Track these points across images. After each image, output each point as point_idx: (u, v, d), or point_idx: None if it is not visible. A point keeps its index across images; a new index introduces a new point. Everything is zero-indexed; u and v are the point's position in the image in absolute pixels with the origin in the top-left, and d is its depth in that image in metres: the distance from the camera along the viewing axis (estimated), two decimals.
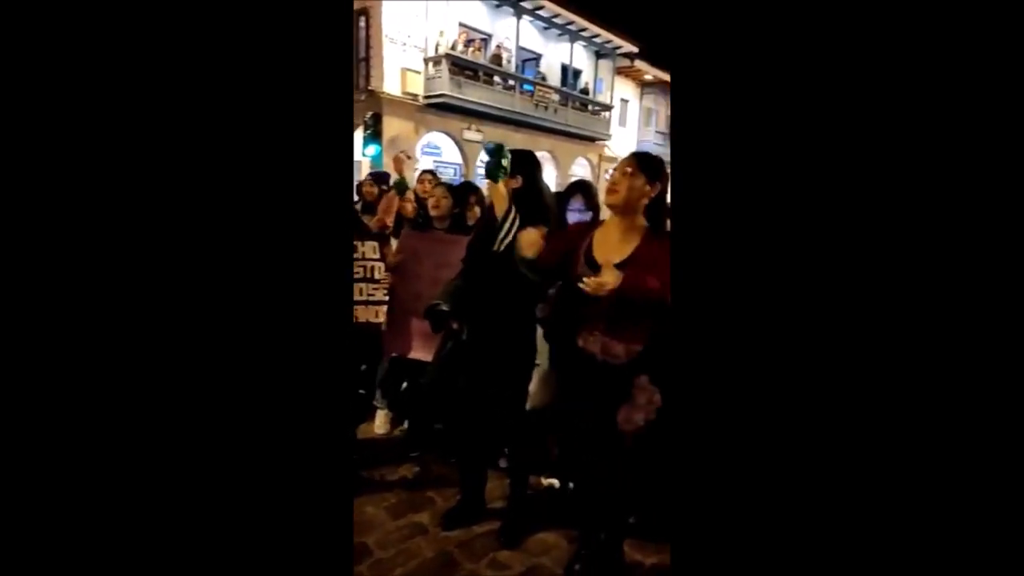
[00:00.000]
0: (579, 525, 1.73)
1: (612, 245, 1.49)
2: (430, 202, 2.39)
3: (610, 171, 1.66)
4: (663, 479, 1.92)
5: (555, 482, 2.22)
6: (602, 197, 1.54)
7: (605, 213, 1.68)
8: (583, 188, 2.16)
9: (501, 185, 1.65)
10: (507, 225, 1.67)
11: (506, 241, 1.69)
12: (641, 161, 1.49)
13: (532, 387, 1.90)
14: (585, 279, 1.36)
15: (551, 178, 13.42)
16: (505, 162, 1.62)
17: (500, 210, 1.66)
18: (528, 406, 1.91)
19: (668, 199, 1.99)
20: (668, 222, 1.63)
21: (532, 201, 1.72)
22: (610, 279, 1.34)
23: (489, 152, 1.64)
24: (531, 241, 1.56)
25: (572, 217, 2.05)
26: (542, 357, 1.89)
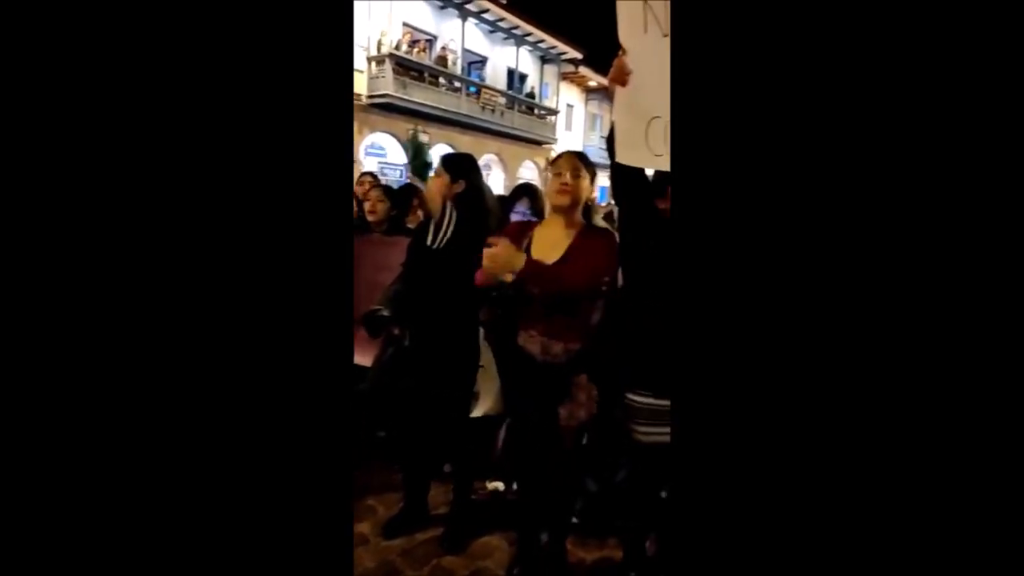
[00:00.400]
0: (519, 527, 1.74)
1: (552, 242, 1.53)
2: (366, 206, 2.34)
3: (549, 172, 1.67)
4: (607, 477, 1.97)
5: (500, 485, 2.22)
6: (553, 199, 1.55)
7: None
8: (529, 192, 2.19)
9: (431, 183, 1.66)
10: (444, 223, 1.68)
11: (445, 238, 1.69)
12: (586, 162, 1.56)
13: (481, 394, 1.89)
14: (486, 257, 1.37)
15: (499, 180, 13.48)
16: (428, 158, 1.67)
17: (433, 208, 1.67)
18: (478, 413, 1.90)
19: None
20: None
21: (474, 204, 1.72)
22: (496, 250, 1.35)
23: (412, 151, 1.71)
24: (503, 261, 1.44)
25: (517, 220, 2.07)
26: (485, 359, 1.89)
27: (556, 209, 1.55)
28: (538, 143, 14.87)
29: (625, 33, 1.31)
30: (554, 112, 15.29)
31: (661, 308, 1.42)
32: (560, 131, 15.61)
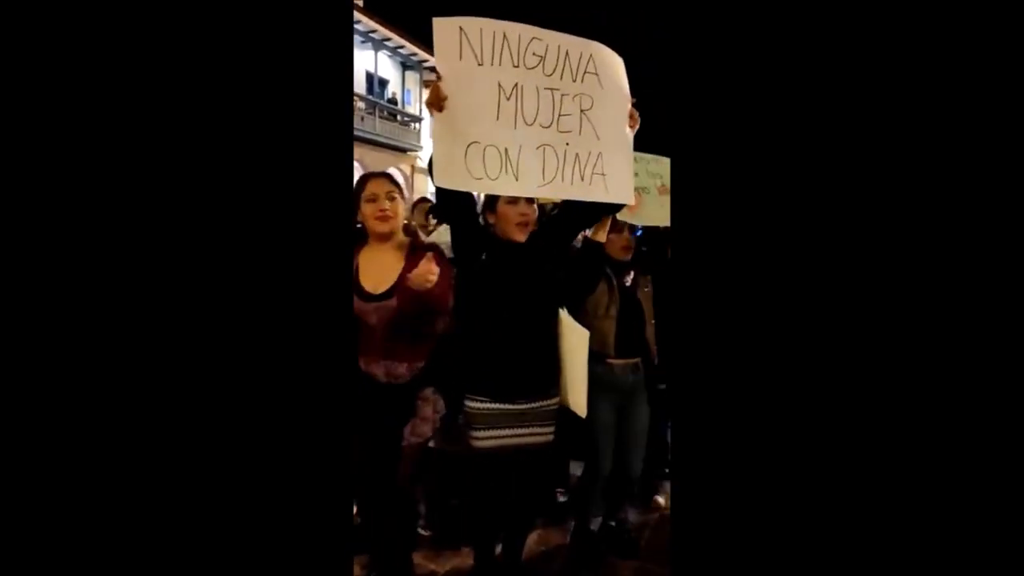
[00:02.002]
0: (370, 549, 1.70)
1: (380, 269, 1.50)
2: None
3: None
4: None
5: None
6: (374, 227, 1.51)
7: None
8: None
9: None
10: None
11: None
12: (396, 183, 1.56)
13: None
14: (411, 274, 1.34)
15: None
16: None
17: None
18: None
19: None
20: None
21: None
22: (431, 267, 1.33)
23: None
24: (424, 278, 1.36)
25: None
26: None
27: (378, 237, 1.52)
28: (403, 150, 14.63)
29: (441, 58, 1.32)
30: (418, 119, 15.17)
31: (498, 318, 1.49)
32: (424, 138, 15.52)
